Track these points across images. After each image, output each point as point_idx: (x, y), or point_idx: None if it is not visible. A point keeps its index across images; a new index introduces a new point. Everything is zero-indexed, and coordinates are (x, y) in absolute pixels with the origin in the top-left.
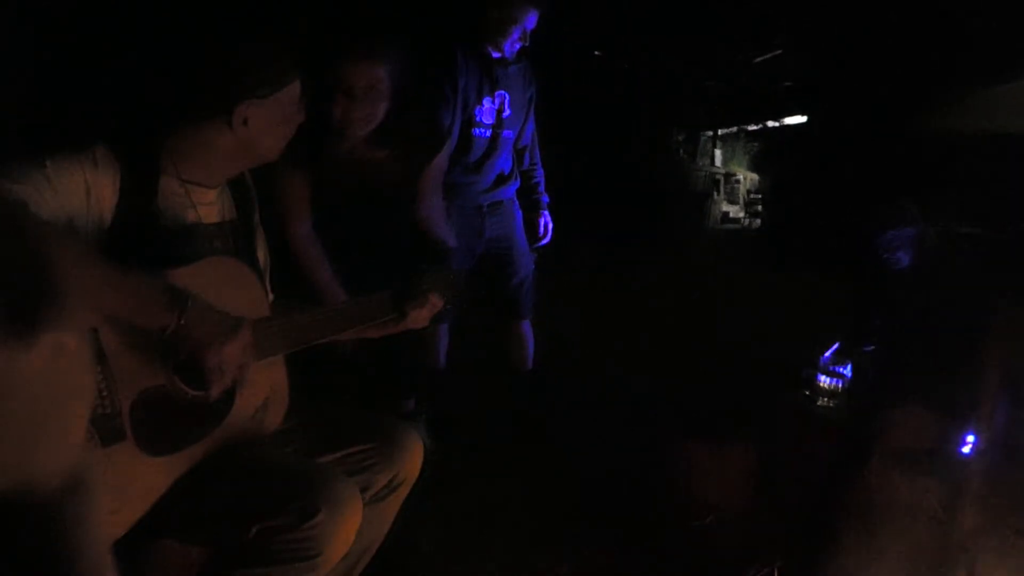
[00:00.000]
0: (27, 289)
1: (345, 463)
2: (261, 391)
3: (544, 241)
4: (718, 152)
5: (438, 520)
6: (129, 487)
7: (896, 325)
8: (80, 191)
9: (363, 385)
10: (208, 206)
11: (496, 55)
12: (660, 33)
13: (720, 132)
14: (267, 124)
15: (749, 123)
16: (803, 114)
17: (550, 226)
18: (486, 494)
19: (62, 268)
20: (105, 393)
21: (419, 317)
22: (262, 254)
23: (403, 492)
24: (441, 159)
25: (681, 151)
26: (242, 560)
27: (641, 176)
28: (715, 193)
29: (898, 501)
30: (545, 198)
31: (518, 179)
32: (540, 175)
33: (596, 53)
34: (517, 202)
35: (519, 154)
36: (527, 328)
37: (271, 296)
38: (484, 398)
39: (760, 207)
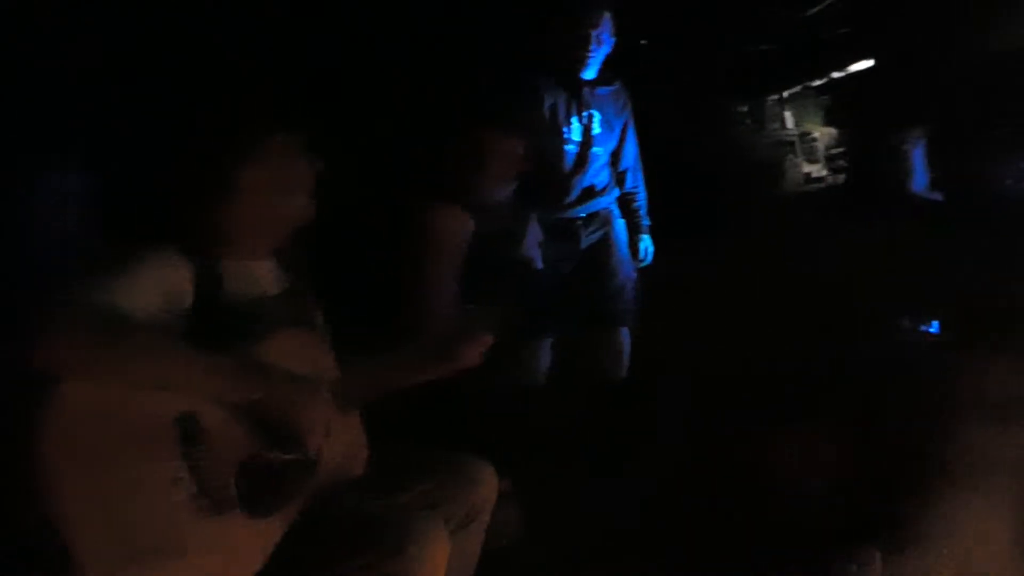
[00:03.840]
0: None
1: (421, 500)
2: (342, 443)
3: (644, 263)
4: (788, 114)
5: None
6: (241, 551)
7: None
8: (159, 291)
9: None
10: (267, 278)
11: (585, 76)
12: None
13: (786, 94)
14: (276, 182)
15: (814, 79)
16: (870, 58)
17: (651, 249)
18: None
19: (159, 367)
20: (212, 469)
21: (471, 356)
22: (319, 318)
23: (483, 520)
24: None
25: (748, 121)
26: None
27: (706, 156)
28: (792, 156)
29: (993, 454)
30: (646, 221)
31: (615, 190)
32: (641, 199)
33: (642, 42)
34: (617, 210)
35: (619, 177)
36: (625, 336)
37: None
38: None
39: (843, 161)
